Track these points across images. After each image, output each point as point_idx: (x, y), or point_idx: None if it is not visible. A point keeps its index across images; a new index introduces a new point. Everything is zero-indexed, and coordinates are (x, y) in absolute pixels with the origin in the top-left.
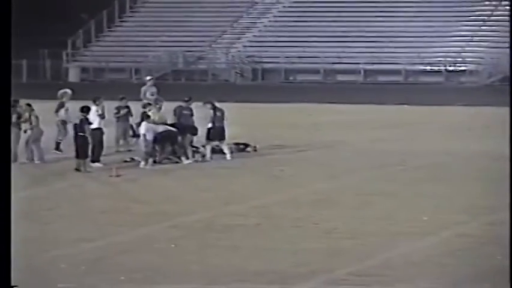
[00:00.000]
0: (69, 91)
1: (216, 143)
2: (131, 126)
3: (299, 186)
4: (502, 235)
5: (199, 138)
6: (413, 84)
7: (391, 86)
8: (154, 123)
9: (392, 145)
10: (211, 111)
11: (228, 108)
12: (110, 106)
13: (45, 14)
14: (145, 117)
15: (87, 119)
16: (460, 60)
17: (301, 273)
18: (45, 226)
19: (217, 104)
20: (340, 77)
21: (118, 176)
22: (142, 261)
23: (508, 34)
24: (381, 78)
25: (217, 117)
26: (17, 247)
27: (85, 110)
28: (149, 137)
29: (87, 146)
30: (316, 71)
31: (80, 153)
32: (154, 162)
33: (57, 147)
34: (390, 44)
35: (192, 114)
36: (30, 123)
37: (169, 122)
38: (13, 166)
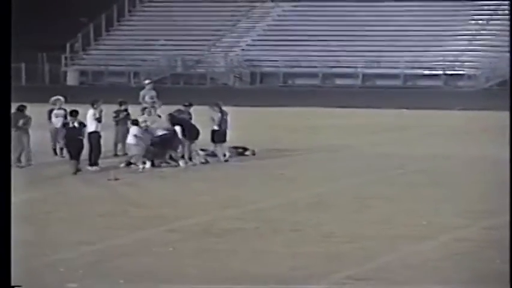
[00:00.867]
0: (61, 98)
1: (218, 145)
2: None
3: (298, 190)
4: (501, 239)
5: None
6: (411, 88)
7: (389, 90)
8: (147, 127)
9: (391, 149)
10: (219, 113)
11: (227, 111)
12: (109, 110)
13: (44, 17)
14: (134, 122)
15: (81, 123)
16: (458, 65)
17: (299, 276)
18: (43, 229)
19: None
20: (338, 81)
21: (116, 179)
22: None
23: (506, 38)
24: (380, 83)
25: (224, 120)
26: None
27: (74, 114)
28: (140, 140)
29: (81, 149)
30: (314, 75)
31: (74, 155)
32: (153, 165)
33: (55, 153)
34: (389, 48)
35: (191, 118)
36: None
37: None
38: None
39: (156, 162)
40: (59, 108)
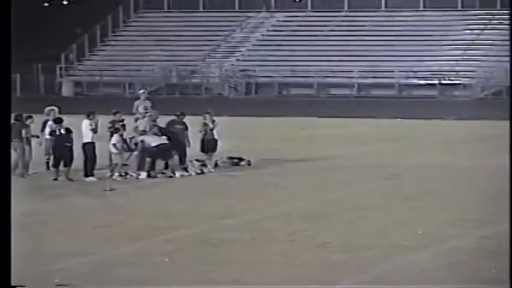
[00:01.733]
0: (56, 108)
1: (208, 155)
2: (125, 141)
3: (293, 200)
4: (496, 249)
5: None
6: (406, 98)
7: (385, 100)
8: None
9: (386, 159)
10: (211, 123)
11: (222, 122)
12: (104, 120)
13: (39, 28)
14: (114, 130)
15: (67, 130)
16: (453, 74)
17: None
18: (40, 240)
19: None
20: (333, 91)
21: (111, 190)
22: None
23: (502, 48)
24: (375, 92)
25: (211, 129)
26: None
27: (58, 121)
28: (120, 149)
29: (68, 155)
30: (309, 85)
31: (57, 163)
32: (148, 176)
33: (48, 167)
34: (384, 58)
35: (186, 128)
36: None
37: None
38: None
39: (152, 172)
40: (54, 119)
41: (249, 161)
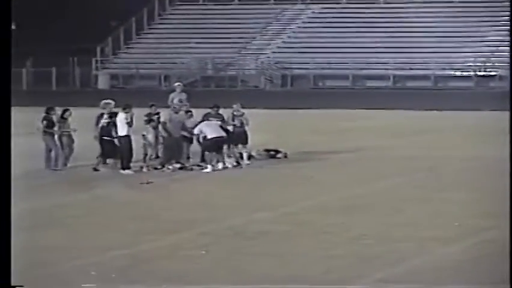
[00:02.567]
0: (112, 102)
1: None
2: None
3: (329, 192)
4: None
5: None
6: (442, 90)
7: (420, 92)
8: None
9: (422, 151)
10: (240, 115)
11: (258, 114)
12: (140, 113)
13: (74, 22)
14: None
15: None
16: (489, 65)
17: (332, 279)
18: (75, 233)
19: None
20: (369, 83)
21: (148, 183)
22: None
23: None
24: (411, 84)
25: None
26: (45, 254)
27: (114, 115)
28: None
29: (111, 148)
30: (345, 77)
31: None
32: (181, 168)
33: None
34: (420, 50)
35: (223, 120)
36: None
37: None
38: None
39: (188, 165)
40: (109, 113)
41: (285, 153)
